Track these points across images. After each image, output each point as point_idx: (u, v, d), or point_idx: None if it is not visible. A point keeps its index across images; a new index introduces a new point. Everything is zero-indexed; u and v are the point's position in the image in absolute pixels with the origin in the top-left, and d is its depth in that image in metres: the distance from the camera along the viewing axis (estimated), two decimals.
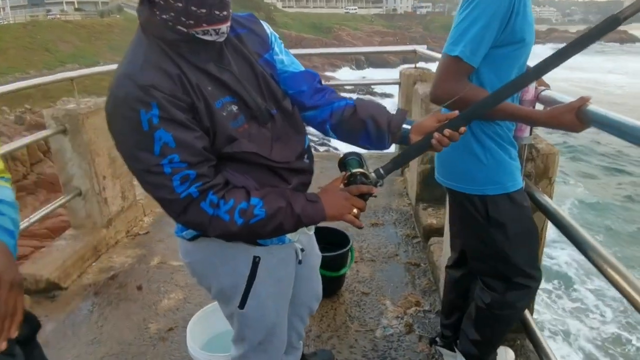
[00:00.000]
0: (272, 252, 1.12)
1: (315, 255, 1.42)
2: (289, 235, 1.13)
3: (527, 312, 1.75)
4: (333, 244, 2.30)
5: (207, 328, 1.81)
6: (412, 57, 4.58)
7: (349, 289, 2.45)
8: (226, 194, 0.94)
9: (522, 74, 1.05)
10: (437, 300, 2.32)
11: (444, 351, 1.79)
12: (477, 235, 1.41)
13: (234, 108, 0.96)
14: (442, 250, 2.37)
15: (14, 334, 0.77)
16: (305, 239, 1.27)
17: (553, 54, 0.97)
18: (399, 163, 1.04)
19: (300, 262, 1.23)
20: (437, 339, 1.83)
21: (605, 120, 1.10)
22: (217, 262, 1.11)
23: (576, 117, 1.12)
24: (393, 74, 4.91)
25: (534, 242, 1.43)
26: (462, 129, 1.02)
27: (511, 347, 1.81)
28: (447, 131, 1.00)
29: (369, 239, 3.01)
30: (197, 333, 1.74)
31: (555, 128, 1.18)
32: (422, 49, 4.64)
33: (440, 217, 2.96)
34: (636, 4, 0.93)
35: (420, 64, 4.49)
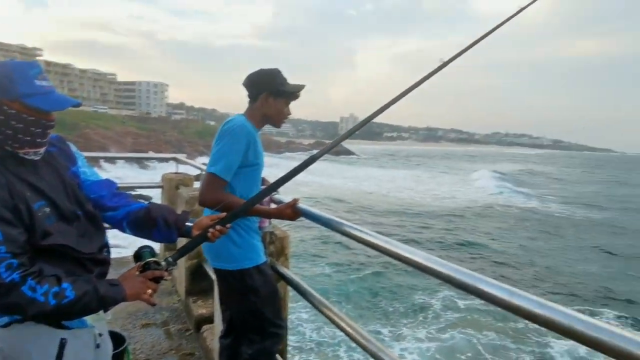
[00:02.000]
0: (75, 334, 1.26)
1: (109, 345, 1.54)
2: (88, 321, 1.29)
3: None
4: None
5: None
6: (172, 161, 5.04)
7: None
8: (42, 279, 1.10)
9: (265, 188, 1.62)
10: None
11: None
12: (239, 301, 1.86)
13: (47, 210, 1.18)
14: (214, 334, 2.67)
15: None
16: (101, 325, 1.42)
17: (281, 177, 1.58)
18: (184, 252, 1.41)
19: (98, 345, 1.37)
20: None
21: (309, 213, 1.77)
22: (29, 346, 1.18)
23: (292, 211, 1.77)
24: (150, 175, 5.19)
25: (278, 300, 1.97)
26: (228, 225, 1.48)
27: None
28: (218, 227, 1.45)
29: (142, 339, 3.02)
30: None
31: (281, 219, 1.81)
32: (181, 157, 5.17)
33: (209, 306, 3.27)
34: (324, 150, 1.66)
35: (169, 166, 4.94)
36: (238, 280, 1.82)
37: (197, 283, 3.53)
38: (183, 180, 4.64)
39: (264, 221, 2.04)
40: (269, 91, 1.84)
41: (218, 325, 2.38)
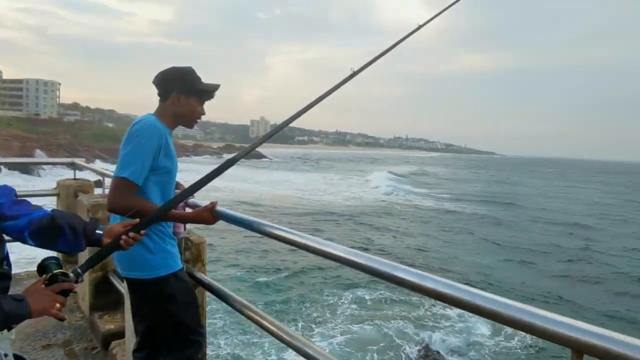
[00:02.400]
0: None
1: None
2: None
3: None
4: None
5: None
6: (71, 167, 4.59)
7: None
8: None
9: (182, 191, 1.57)
10: None
11: None
12: (156, 310, 1.76)
13: None
14: (126, 350, 2.49)
15: None
16: (5, 345, 1.26)
17: (198, 181, 1.55)
18: (95, 261, 1.31)
19: None
20: None
21: (229, 216, 1.76)
22: None
23: (211, 214, 1.74)
24: (40, 182, 4.69)
25: (196, 307, 1.91)
26: (142, 231, 1.41)
27: None
28: (131, 234, 1.37)
29: None
30: None
31: (199, 223, 1.76)
32: (80, 161, 4.74)
33: (118, 321, 3.05)
34: (243, 152, 1.65)
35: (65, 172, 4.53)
36: (154, 288, 1.73)
37: (103, 297, 3.27)
38: (82, 187, 4.27)
39: (178, 227, 1.96)
40: (181, 90, 1.77)
41: (130, 339, 2.23)
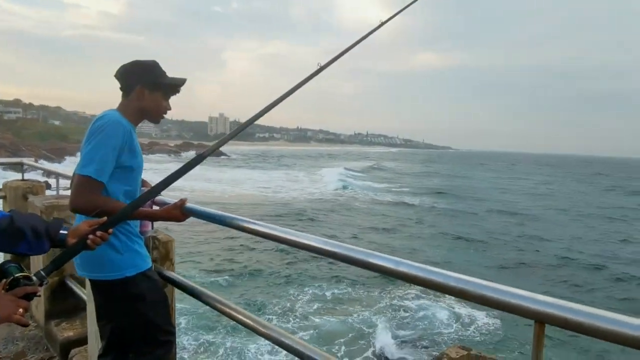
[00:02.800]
0: None
1: None
2: None
3: None
4: None
5: None
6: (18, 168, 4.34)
7: None
8: None
9: (150, 189, 1.53)
10: None
11: None
12: (124, 312, 1.72)
13: None
14: (89, 356, 2.40)
15: None
16: None
17: (167, 177, 1.51)
18: (60, 263, 1.26)
19: None
20: None
21: (198, 212, 1.74)
22: None
23: (181, 212, 1.71)
24: None
25: (167, 306, 1.88)
26: (110, 230, 1.37)
27: None
28: (99, 233, 1.33)
29: None
30: None
31: (169, 221, 1.73)
32: (29, 161, 4.49)
33: (78, 327, 2.93)
34: (213, 147, 1.64)
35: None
36: (121, 289, 1.67)
37: (60, 303, 3.12)
38: (32, 188, 4.04)
39: (146, 225, 1.91)
40: (145, 84, 1.73)
41: (94, 345, 2.16)
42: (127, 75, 1.75)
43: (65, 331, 2.89)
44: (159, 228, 2.14)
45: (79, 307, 3.02)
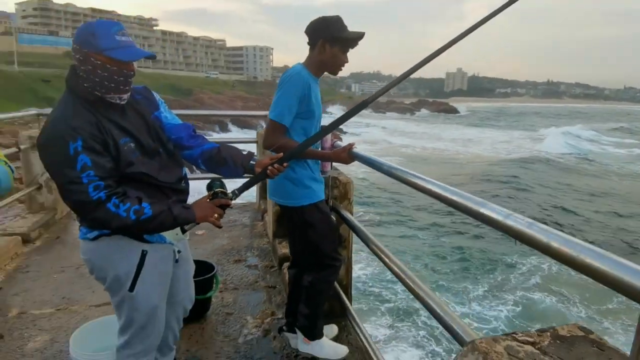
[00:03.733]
0: (155, 248, 1.56)
1: (190, 265, 1.87)
2: (169, 238, 1.58)
3: (346, 300, 2.44)
4: (200, 274, 2.69)
5: (89, 341, 2.01)
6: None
7: (214, 313, 2.84)
8: (125, 199, 1.39)
9: (317, 132, 1.76)
10: None
11: (289, 335, 2.34)
12: (299, 235, 2.06)
13: (132, 145, 1.45)
14: None
15: None
16: (182, 245, 1.72)
17: (332, 122, 1.71)
18: (248, 186, 1.63)
19: (177, 261, 1.68)
20: (284, 327, 2.37)
21: (363, 157, 1.88)
22: (115, 255, 1.50)
23: (347, 155, 1.88)
24: (253, 134, 5.92)
25: (334, 235, 2.14)
26: (285, 164, 1.67)
27: (337, 324, 2.45)
28: (276, 165, 1.64)
29: (233, 272, 3.47)
30: (79, 342, 1.95)
31: (336, 162, 1.94)
32: None
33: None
34: (375, 95, 1.72)
35: None
36: (298, 215, 2.02)
37: (283, 227, 3.87)
38: None
39: (325, 165, 2.19)
40: (325, 38, 1.91)
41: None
42: (312, 31, 1.96)
43: (283, 248, 3.57)
44: (338, 168, 2.39)
45: None
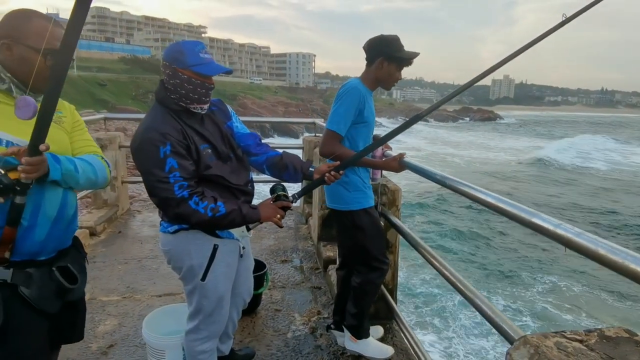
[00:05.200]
0: (225, 243, 1.74)
1: (251, 261, 2.04)
2: (236, 235, 1.76)
3: (392, 302, 2.53)
4: (253, 271, 2.87)
5: (159, 325, 2.22)
6: (312, 127, 5.59)
7: (264, 308, 3.02)
8: (203, 197, 1.57)
9: (372, 143, 1.89)
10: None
11: (336, 333, 2.46)
12: (349, 238, 2.19)
13: (209, 150, 1.65)
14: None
15: None
16: (245, 241, 1.90)
17: (387, 134, 1.84)
18: (307, 190, 1.79)
19: (242, 256, 1.85)
20: (332, 325, 2.50)
21: (413, 166, 1.98)
22: (191, 247, 1.69)
23: (398, 164, 2.00)
24: (295, 141, 6.11)
25: (382, 239, 2.25)
26: (341, 172, 1.81)
27: (383, 326, 2.55)
28: (333, 172, 1.79)
29: (280, 272, 3.64)
30: (152, 326, 2.17)
31: (387, 170, 2.06)
32: (319, 121, 5.70)
33: (336, 250, 3.72)
34: (429, 109, 1.83)
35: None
36: (348, 219, 2.15)
37: (327, 231, 4.01)
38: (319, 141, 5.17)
39: (376, 173, 2.31)
40: (385, 56, 2.05)
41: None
42: (371, 48, 2.10)
43: (328, 252, 3.72)
44: (386, 176, 2.50)
45: None
